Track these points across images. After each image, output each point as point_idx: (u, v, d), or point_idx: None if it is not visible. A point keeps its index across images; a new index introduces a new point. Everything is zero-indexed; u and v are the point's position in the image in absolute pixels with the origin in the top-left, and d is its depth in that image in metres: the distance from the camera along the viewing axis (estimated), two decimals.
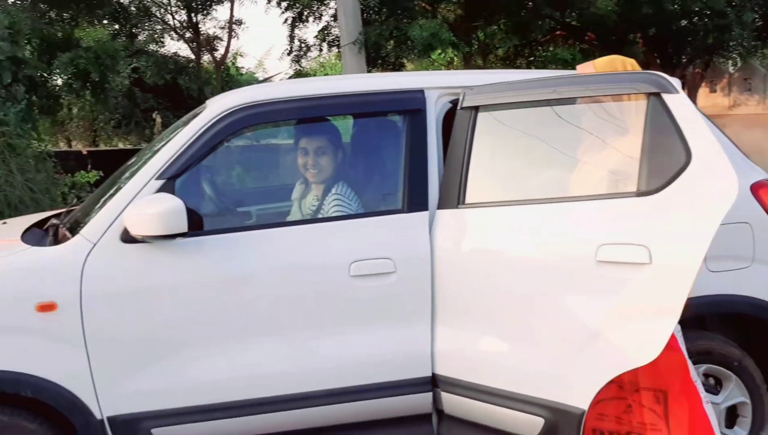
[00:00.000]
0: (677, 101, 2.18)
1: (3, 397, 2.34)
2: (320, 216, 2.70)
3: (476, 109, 2.56)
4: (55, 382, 2.31)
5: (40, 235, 2.73)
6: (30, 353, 2.30)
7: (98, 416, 2.35)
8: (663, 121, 2.19)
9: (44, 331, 2.30)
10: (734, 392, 2.69)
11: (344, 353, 2.49)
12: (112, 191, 2.61)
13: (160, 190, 2.40)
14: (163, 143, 2.62)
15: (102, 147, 14.06)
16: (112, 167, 8.27)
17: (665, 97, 2.19)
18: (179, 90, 12.24)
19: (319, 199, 2.80)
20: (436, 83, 2.73)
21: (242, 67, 11.99)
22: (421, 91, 2.66)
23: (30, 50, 7.47)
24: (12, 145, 6.07)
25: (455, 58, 12.97)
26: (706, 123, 2.30)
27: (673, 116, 2.17)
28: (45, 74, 7.90)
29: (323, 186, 2.81)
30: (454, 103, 2.67)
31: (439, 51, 11.55)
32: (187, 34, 10.73)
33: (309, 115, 2.77)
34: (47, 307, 2.29)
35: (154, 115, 7.26)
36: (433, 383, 2.56)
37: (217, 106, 2.56)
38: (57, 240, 2.53)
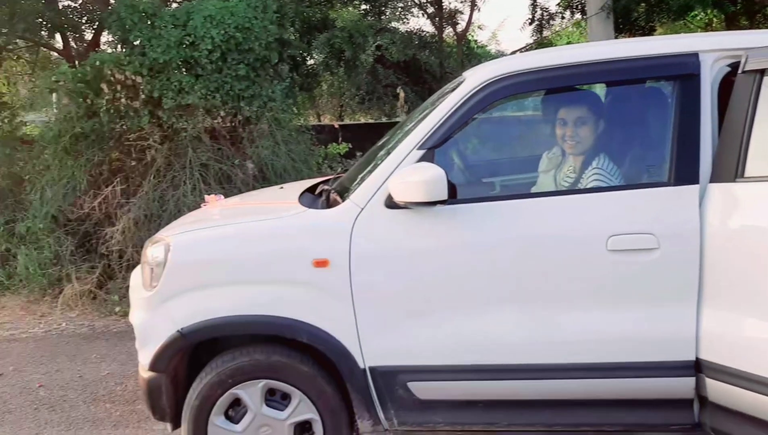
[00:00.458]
0: None
1: (282, 341, 2.65)
2: (579, 187, 2.63)
3: (762, 72, 2.30)
4: (326, 331, 2.54)
5: (312, 198, 3.02)
6: (306, 304, 2.56)
7: (361, 366, 2.55)
8: None
9: (318, 285, 2.54)
10: None
11: (597, 328, 2.43)
12: (376, 160, 2.80)
13: (421, 159, 2.51)
14: (423, 115, 2.74)
15: (347, 121, 15.11)
16: (359, 140, 8.90)
17: None
18: (418, 66, 12.67)
19: (577, 171, 2.73)
20: (713, 45, 2.50)
21: (477, 41, 12.01)
22: (695, 55, 2.46)
23: (293, 32, 8.23)
24: (278, 119, 6.75)
25: (714, 20, 11.64)
26: None
27: None
28: (305, 54, 8.63)
29: (582, 158, 2.74)
30: (733, 67, 2.43)
31: (696, 12, 10.47)
32: (430, 10, 11.03)
33: (570, 84, 2.71)
34: (321, 263, 2.52)
35: (398, 90, 7.61)
36: (697, 368, 2.39)
37: (476, 77, 2.60)
38: (329, 204, 2.77)
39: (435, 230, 2.51)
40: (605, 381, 2.45)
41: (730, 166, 2.32)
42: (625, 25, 8.85)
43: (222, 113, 6.43)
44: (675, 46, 2.56)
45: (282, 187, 3.79)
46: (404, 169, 2.47)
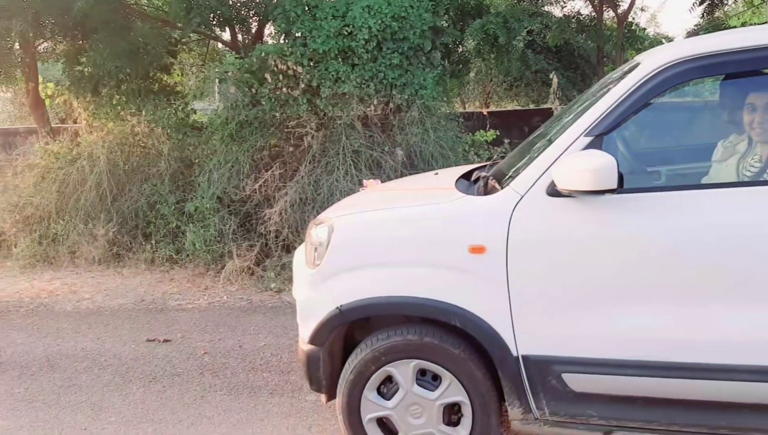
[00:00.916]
0: None
1: (435, 323, 2.68)
2: (765, 178, 2.42)
3: None
4: (479, 316, 2.54)
5: (468, 185, 3.01)
6: (460, 289, 2.56)
7: (514, 353, 2.52)
8: None
9: (473, 271, 2.53)
10: None
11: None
12: (538, 147, 2.72)
13: (588, 146, 2.42)
14: (591, 100, 2.63)
15: (492, 108, 14.89)
16: (506, 126, 8.69)
17: None
18: (570, 50, 12.17)
19: (764, 160, 2.51)
20: None
21: (638, 24, 11.30)
22: None
23: (446, 19, 8.21)
24: (428, 106, 6.79)
25: None
26: None
27: None
28: (457, 41, 8.59)
29: None
30: None
31: None
32: None
33: (759, 68, 2.49)
34: (478, 250, 2.51)
35: (551, 76, 7.36)
36: None
37: (653, 60, 2.46)
38: (487, 190, 2.75)
39: (601, 220, 2.41)
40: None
41: None
42: None
43: (375, 101, 6.59)
44: None
45: (437, 173, 3.81)
46: (572, 156, 2.39)
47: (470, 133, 7.67)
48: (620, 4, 9.61)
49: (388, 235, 2.71)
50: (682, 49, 2.46)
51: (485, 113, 8.91)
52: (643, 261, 2.37)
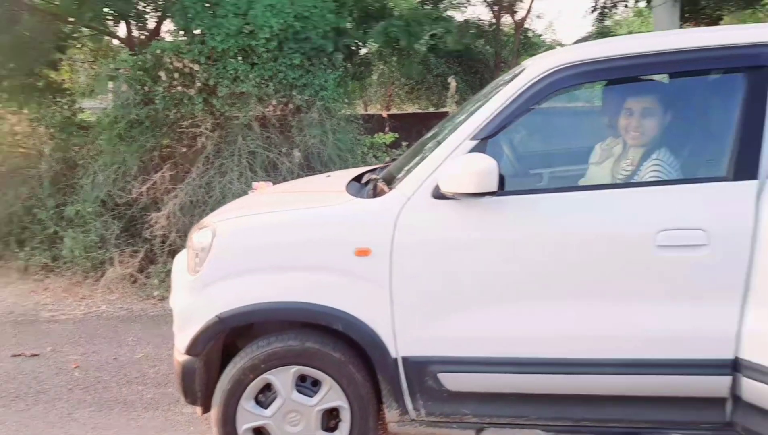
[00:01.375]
0: None
1: (316, 327, 2.62)
2: (636, 180, 2.51)
3: None
4: (362, 319, 2.51)
5: (359, 187, 2.96)
6: (345, 293, 2.52)
7: (393, 355, 2.51)
8: None
9: (358, 274, 2.49)
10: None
11: (639, 324, 2.36)
12: (425, 150, 2.71)
13: (473, 150, 2.43)
14: (478, 104, 2.63)
15: (394, 111, 14.99)
16: (406, 129, 8.73)
17: None
18: (471, 55, 12.43)
19: (635, 163, 2.61)
20: None
21: (534, 30, 11.72)
22: (765, 46, 2.34)
23: (350, 21, 8.14)
24: (328, 108, 6.69)
25: None
26: None
27: None
28: (360, 43, 8.53)
29: (642, 150, 2.61)
30: None
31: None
32: None
33: (636, 75, 2.59)
34: (363, 252, 2.48)
35: (449, 79, 7.44)
36: (734, 367, 2.31)
37: (537, 67, 2.49)
38: (375, 193, 2.70)
39: (481, 222, 2.43)
40: (641, 378, 2.39)
41: None
42: (691, 13, 8.47)
43: (274, 102, 6.42)
44: (745, 36, 2.41)
45: (329, 176, 3.74)
46: (455, 160, 2.39)
47: (369, 136, 7.65)
48: (518, 10, 9.89)
49: (273, 238, 2.62)
50: (565, 55, 2.51)
51: (385, 115, 8.90)
52: (519, 261, 2.42)
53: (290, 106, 6.58)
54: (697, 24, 8.71)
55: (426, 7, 10.12)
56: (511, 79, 2.57)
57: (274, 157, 6.34)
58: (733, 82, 2.45)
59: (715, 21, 8.89)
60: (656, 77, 2.74)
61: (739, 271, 2.29)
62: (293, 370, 2.64)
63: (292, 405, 2.67)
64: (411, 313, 2.48)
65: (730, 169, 2.32)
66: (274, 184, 4.48)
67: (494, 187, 2.29)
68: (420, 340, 2.50)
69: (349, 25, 7.58)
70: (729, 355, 2.32)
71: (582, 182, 2.84)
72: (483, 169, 2.27)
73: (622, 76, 2.58)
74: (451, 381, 2.51)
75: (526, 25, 10.02)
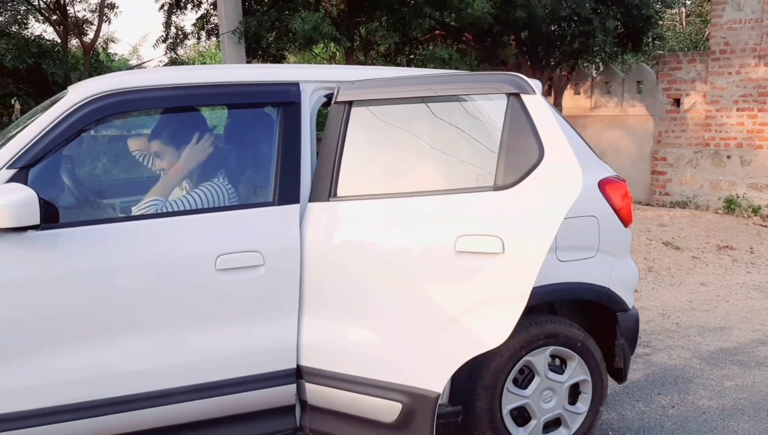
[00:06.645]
0: (534, 102, 2.31)
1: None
2: (188, 207, 2.62)
3: (350, 103, 2.59)
4: None
5: None
6: None
7: None
8: (520, 120, 2.32)
9: None
10: (577, 371, 2.90)
11: (209, 348, 2.45)
12: None
13: (12, 179, 2.25)
14: (17, 130, 2.45)
15: None
16: None
17: (523, 97, 2.32)
18: (43, 75, 11.36)
19: (187, 191, 2.72)
20: (312, 77, 2.72)
21: (114, 54, 11.33)
22: (296, 84, 2.65)
23: None
24: None
25: (338, 53, 12.97)
26: (559, 123, 2.46)
27: (529, 116, 2.30)
28: None
29: (190, 179, 2.74)
30: (329, 97, 2.69)
31: (321, 45, 11.49)
32: (54, 17, 9.96)
33: (179, 105, 2.68)
34: None
35: (12, 101, 6.64)
36: (298, 375, 2.58)
37: (79, 92, 2.43)
38: None
39: (30, 258, 2.25)
40: (215, 400, 2.46)
41: (325, 187, 2.56)
42: (257, 50, 9.26)
43: None
44: (279, 75, 2.72)
45: None
46: None
47: None
48: (87, 32, 9.43)
49: None
50: (107, 82, 2.48)
51: None
52: (79, 296, 2.31)
53: None
54: (264, 60, 9.56)
55: None
56: (52, 105, 2.45)
57: None
58: (272, 117, 2.73)
59: (279, 59, 9.88)
60: (198, 108, 2.90)
61: (293, 287, 2.51)
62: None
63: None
64: None
65: (275, 195, 2.56)
66: None
67: (36, 220, 2.12)
68: None
69: None
70: (292, 365, 2.54)
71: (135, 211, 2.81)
72: (18, 201, 2.09)
73: (161, 106, 2.68)
74: None
75: (99, 48, 9.62)
